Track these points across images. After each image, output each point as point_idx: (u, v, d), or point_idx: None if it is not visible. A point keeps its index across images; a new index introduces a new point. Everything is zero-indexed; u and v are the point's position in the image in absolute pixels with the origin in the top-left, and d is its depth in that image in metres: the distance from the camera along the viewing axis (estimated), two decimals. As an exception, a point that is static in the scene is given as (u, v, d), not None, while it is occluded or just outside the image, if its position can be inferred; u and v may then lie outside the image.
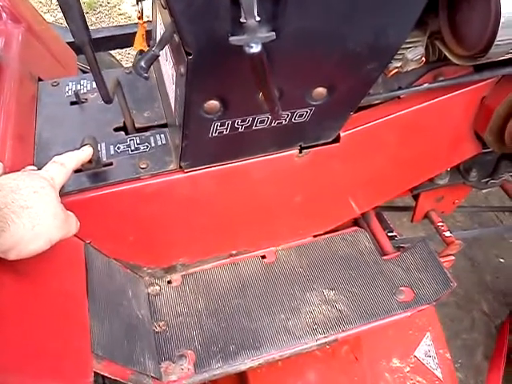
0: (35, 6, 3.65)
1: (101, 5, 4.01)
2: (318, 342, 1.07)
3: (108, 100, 0.82)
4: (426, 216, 1.66)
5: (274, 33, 0.60)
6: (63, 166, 0.76)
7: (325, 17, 0.67)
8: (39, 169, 0.76)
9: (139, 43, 0.96)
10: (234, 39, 0.58)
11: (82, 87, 1.10)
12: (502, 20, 0.80)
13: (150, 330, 1.04)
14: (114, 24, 3.77)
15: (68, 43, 1.44)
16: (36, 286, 0.72)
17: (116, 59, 2.28)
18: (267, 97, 0.69)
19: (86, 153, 0.84)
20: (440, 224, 1.55)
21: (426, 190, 1.53)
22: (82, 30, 0.67)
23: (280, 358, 1.06)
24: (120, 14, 3.92)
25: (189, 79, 0.71)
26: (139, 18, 0.93)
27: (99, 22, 3.83)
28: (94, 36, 1.82)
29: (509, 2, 0.79)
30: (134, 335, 0.95)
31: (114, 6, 4.00)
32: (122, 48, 1.97)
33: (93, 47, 0.71)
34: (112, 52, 2.20)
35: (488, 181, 1.58)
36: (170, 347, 1.03)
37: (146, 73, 0.73)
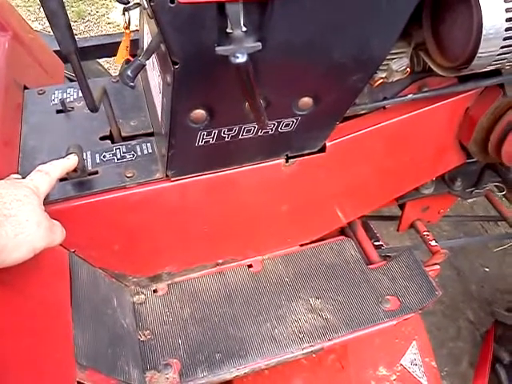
0: (23, 14, 3.66)
1: (89, 13, 4.00)
2: (304, 351, 1.07)
3: (93, 108, 0.82)
4: (412, 225, 1.67)
5: (259, 43, 0.60)
6: (48, 174, 0.76)
7: (310, 28, 0.68)
8: (24, 177, 0.75)
9: (122, 53, 0.96)
10: (220, 49, 0.58)
11: (68, 96, 1.09)
12: (484, 33, 0.81)
13: (134, 338, 1.03)
14: (103, 33, 3.75)
15: (55, 52, 1.44)
16: (19, 294, 0.72)
17: (104, 68, 2.27)
18: (253, 106, 0.69)
19: (71, 161, 0.83)
20: (426, 233, 1.56)
21: (411, 199, 1.54)
22: (67, 39, 0.67)
23: (266, 366, 1.06)
24: (109, 23, 3.91)
25: (175, 88, 0.71)
26: (126, 29, 0.93)
27: (88, 31, 3.81)
28: (82, 45, 1.83)
29: (491, 15, 0.80)
30: (119, 344, 0.94)
31: (103, 15, 3.99)
32: (110, 57, 1.96)
33: (78, 56, 0.71)
34: (100, 61, 2.20)
35: (472, 190, 1.60)
36: (155, 356, 1.03)
37: (133, 82, 0.73)
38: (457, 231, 2.71)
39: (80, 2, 4.06)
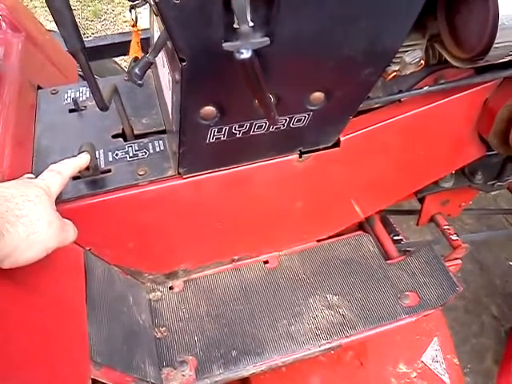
0: (41, 14, 3.68)
1: (106, 12, 4.02)
2: (322, 348, 1.06)
3: (103, 107, 0.82)
4: (432, 219, 1.65)
5: (267, 38, 0.60)
6: (59, 174, 0.77)
7: (319, 22, 0.67)
8: (36, 177, 0.76)
9: (134, 51, 0.96)
10: (227, 45, 0.58)
11: (80, 95, 1.10)
12: (500, 23, 0.79)
13: (150, 335, 1.04)
14: (120, 31, 3.77)
15: (69, 51, 1.45)
16: (33, 292, 0.72)
17: (121, 66, 2.29)
18: (262, 103, 0.68)
19: (83, 160, 0.84)
20: (446, 227, 1.53)
21: (430, 193, 1.51)
22: (74, 38, 0.67)
23: (283, 363, 1.05)
24: (125, 22, 3.93)
25: (184, 86, 0.71)
26: (133, 26, 0.93)
27: (104, 30, 3.84)
28: (99, 43, 1.83)
29: (507, 4, 0.78)
30: (135, 341, 0.95)
31: (119, 14, 4.01)
32: (126, 55, 1.97)
33: (86, 54, 0.71)
34: (117, 59, 2.21)
35: (494, 183, 1.56)
36: (171, 353, 1.03)
37: (141, 80, 0.73)
38: (479, 224, 2.66)
39: (96, 1, 4.09)
